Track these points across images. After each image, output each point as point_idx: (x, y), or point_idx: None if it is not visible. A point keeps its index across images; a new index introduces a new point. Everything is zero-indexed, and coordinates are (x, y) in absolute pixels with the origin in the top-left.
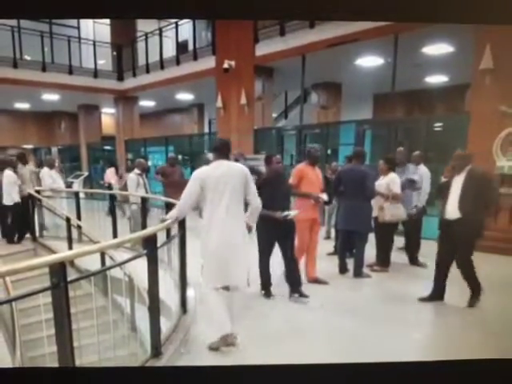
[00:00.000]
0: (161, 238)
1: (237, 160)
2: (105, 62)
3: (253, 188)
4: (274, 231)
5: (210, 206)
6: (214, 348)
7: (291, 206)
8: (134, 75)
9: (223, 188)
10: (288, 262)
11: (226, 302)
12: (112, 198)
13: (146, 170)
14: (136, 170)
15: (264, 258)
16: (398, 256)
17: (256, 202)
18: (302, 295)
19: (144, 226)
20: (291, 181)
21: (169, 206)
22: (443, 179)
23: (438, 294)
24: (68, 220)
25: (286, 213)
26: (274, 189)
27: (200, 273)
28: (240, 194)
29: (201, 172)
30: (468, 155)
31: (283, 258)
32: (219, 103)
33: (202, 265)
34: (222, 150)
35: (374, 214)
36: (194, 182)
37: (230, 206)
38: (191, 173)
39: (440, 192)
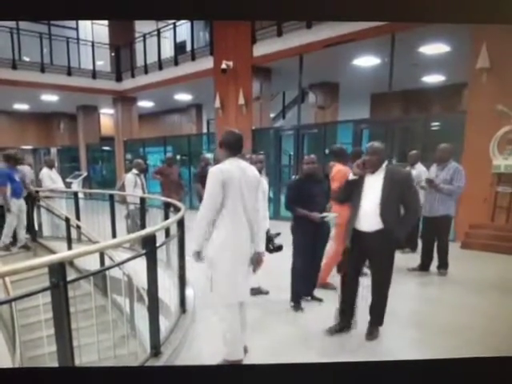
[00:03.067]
0: (160, 237)
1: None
2: (103, 62)
3: (261, 196)
4: (310, 234)
5: (231, 212)
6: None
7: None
8: (133, 76)
9: (245, 192)
10: (312, 268)
11: (240, 319)
12: None
13: (143, 171)
14: (134, 170)
15: (298, 265)
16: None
17: (266, 210)
18: (314, 298)
19: (143, 226)
20: (335, 185)
21: (168, 206)
22: (352, 177)
23: (347, 322)
24: (67, 220)
25: (324, 214)
26: (309, 189)
27: (210, 287)
28: (256, 200)
29: (221, 170)
30: (384, 149)
31: (307, 262)
32: (217, 103)
33: (212, 278)
34: (235, 146)
35: None
36: (215, 181)
37: (249, 212)
38: (189, 172)
39: (347, 193)
